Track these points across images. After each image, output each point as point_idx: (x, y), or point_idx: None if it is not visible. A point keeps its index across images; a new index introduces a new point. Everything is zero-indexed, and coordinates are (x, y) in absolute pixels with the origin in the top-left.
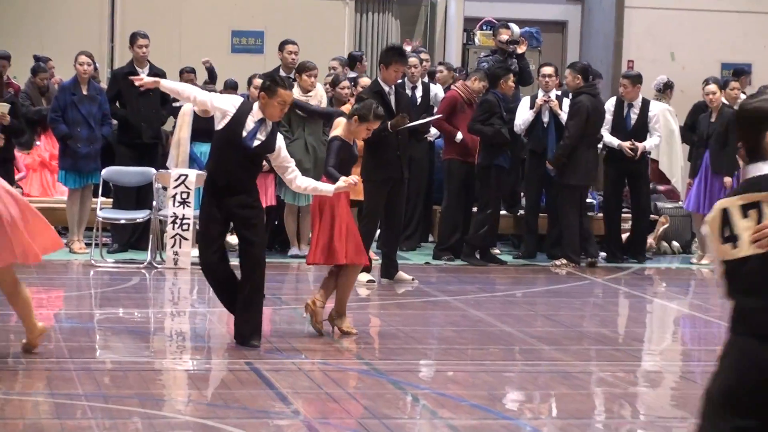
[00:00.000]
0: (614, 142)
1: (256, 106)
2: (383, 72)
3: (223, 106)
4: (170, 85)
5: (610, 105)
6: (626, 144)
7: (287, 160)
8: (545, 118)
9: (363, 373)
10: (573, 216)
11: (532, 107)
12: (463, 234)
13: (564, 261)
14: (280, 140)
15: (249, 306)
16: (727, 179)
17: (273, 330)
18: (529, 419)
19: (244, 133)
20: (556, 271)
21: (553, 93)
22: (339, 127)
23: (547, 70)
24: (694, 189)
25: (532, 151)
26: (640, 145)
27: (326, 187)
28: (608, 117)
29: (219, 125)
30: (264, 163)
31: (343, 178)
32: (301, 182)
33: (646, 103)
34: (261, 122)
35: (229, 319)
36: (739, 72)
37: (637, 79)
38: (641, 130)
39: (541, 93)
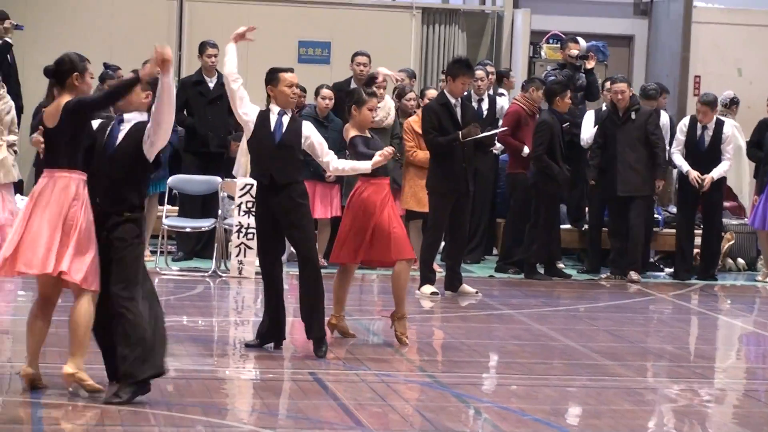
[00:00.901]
0: (683, 167)
1: (270, 105)
2: (450, 84)
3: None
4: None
5: (683, 125)
6: (694, 174)
7: (317, 145)
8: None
9: (426, 386)
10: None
11: (597, 121)
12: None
13: (635, 276)
14: (306, 128)
15: (311, 309)
16: None
17: (336, 341)
18: None
19: (272, 129)
20: (632, 286)
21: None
22: (350, 130)
23: (620, 86)
24: (760, 206)
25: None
26: (708, 178)
27: (364, 165)
28: (680, 137)
29: (249, 135)
30: (328, 174)
31: (378, 152)
32: (338, 164)
33: (720, 124)
34: (281, 114)
35: (293, 330)
36: None
37: (714, 104)
38: (715, 151)
39: (605, 107)
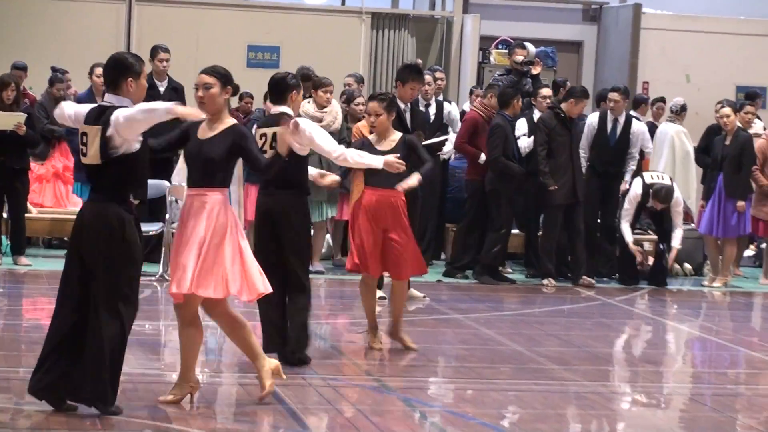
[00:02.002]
0: (627, 237)
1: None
2: (399, 89)
3: None
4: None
5: (635, 193)
6: (635, 248)
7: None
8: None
9: (373, 390)
10: None
11: (530, 128)
12: (476, 253)
13: (589, 280)
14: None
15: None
16: (741, 203)
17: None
18: None
19: None
20: (580, 291)
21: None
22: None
23: (546, 91)
24: (707, 212)
25: (530, 172)
26: (673, 252)
27: (376, 160)
28: (631, 204)
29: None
30: None
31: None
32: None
33: (670, 191)
34: None
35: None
36: (753, 95)
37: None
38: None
39: (537, 114)
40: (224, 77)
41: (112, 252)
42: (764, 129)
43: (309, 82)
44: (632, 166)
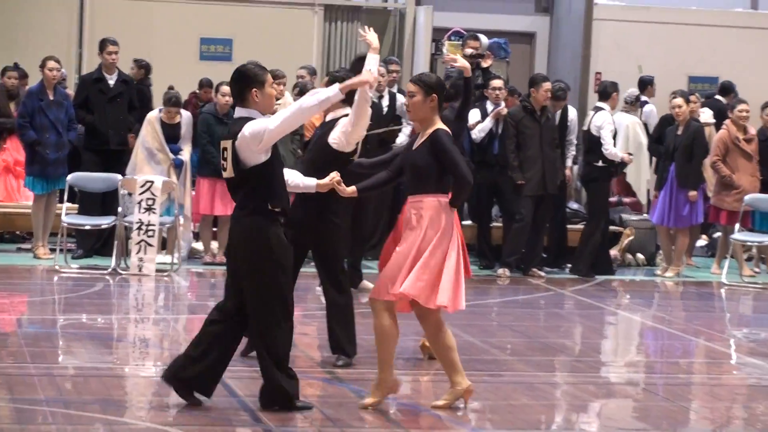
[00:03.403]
0: (619, 154)
1: None
2: None
3: None
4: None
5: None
6: (627, 156)
7: None
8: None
9: (325, 382)
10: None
11: (484, 118)
12: None
13: (541, 272)
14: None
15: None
16: (692, 193)
17: None
18: (490, 430)
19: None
20: (533, 281)
21: (502, 104)
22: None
23: (497, 83)
24: (659, 202)
25: (482, 163)
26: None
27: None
28: (609, 136)
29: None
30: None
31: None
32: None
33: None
34: None
35: (190, 326)
36: (728, 88)
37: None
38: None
39: (491, 105)
40: (427, 85)
41: (256, 260)
42: (713, 118)
43: None
44: (572, 151)
